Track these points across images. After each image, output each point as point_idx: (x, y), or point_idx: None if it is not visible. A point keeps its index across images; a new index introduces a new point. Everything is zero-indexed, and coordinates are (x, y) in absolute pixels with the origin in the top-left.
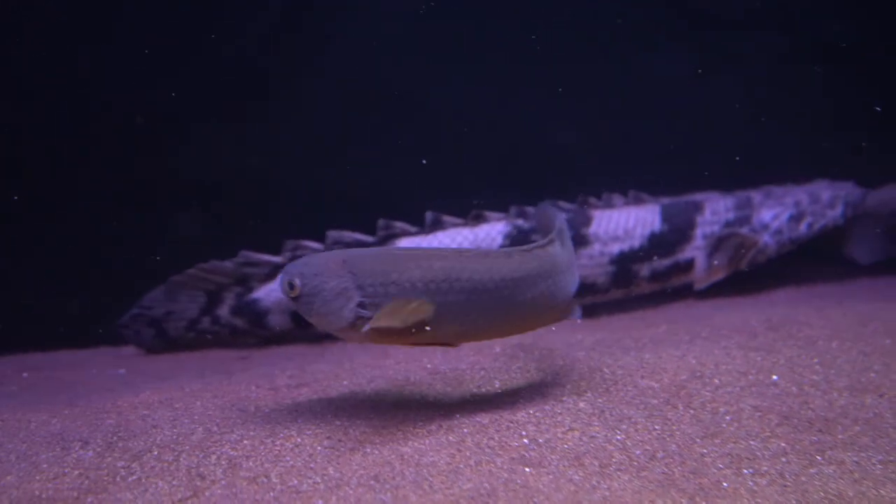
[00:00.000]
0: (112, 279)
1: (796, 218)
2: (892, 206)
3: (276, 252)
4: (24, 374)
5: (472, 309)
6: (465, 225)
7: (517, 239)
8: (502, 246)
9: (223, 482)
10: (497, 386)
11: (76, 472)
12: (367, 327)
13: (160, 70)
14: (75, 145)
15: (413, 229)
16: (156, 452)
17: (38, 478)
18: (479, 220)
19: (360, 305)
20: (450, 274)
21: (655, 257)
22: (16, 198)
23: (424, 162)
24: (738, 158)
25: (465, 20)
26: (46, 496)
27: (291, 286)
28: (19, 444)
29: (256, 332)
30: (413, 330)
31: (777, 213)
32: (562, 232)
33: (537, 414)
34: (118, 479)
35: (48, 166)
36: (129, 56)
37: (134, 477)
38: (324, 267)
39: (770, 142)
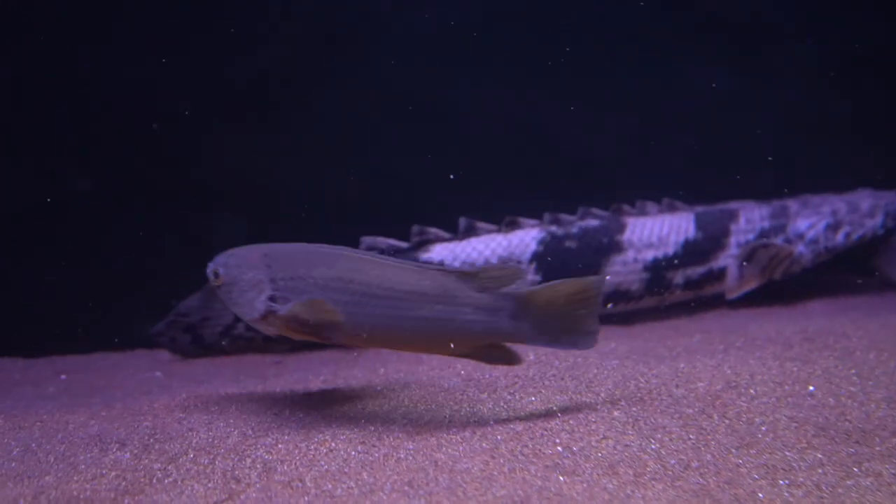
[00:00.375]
0: (149, 283)
1: (833, 227)
2: None
3: None
4: (62, 377)
5: (363, 312)
6: (498, 231)
7: (551, 245)
8: (536, 252)
9: (258, 486)
10: (531, 393)
11: (113, 474)
12: (285, 309)
13: (199, 72)
14: (117, 149)
15: (447, 235)
16: (192, 455)
17: (76, 478)
18: (512, 226)
19: (272, 298)
20: (346, 275)
21: (689, 265)
22: (49, 200)
23: (452, 177)
24: (777, 170)
25: (498, 25)
26: (84, 497)
27: (215, 275)
28: (58, 444)
29: (290, 337)
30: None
31: (813, 223)
32: (491, 274)
33: (571, 422)
34: (155, 480)
35: (87, 168)
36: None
37: (170, 479)
38: (244, 259)
39: (812, 151)
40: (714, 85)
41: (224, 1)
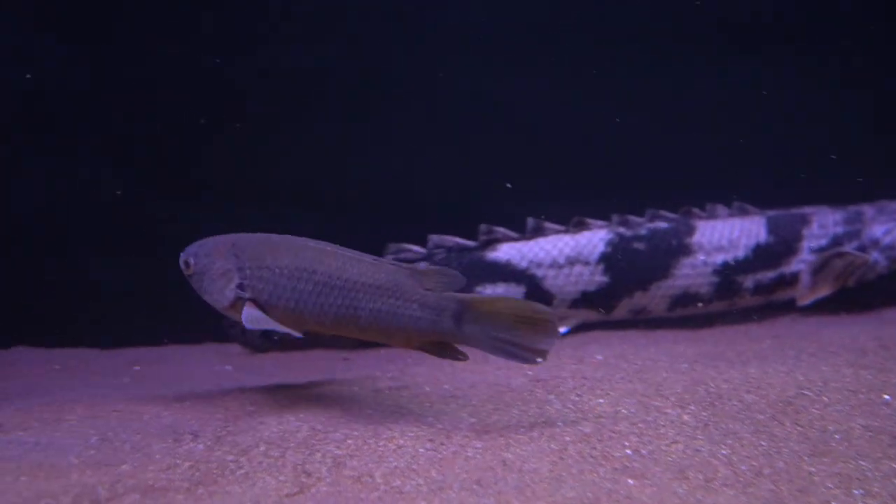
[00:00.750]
0: None
1: None
2: None
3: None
4: (136, 368)
5: (325, 302)
6: (566, 232)
7: (619, 246)
8: (603, 253)
9: (328, 480)
10: (599, 395)
11: (187, 465)
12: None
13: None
14: (188, 146)
15: (514, 235)
16: (263, 448)
17: (151, 468)
18: (580, 226)
19: (240, 287)
20: (310, 265)
21: (760, 269)
22: (119, 192)
23: (509, 186)
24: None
25: (567, 29)
26: (160, 486)
27: (186, 265)
28: (133, 434)
29: None
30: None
31: (889, 229)
32: (433, 276)
33: (640, 425)
34: (227, 472)
35: (155, 165)
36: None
37: (242, 471)
38: (214, 249)
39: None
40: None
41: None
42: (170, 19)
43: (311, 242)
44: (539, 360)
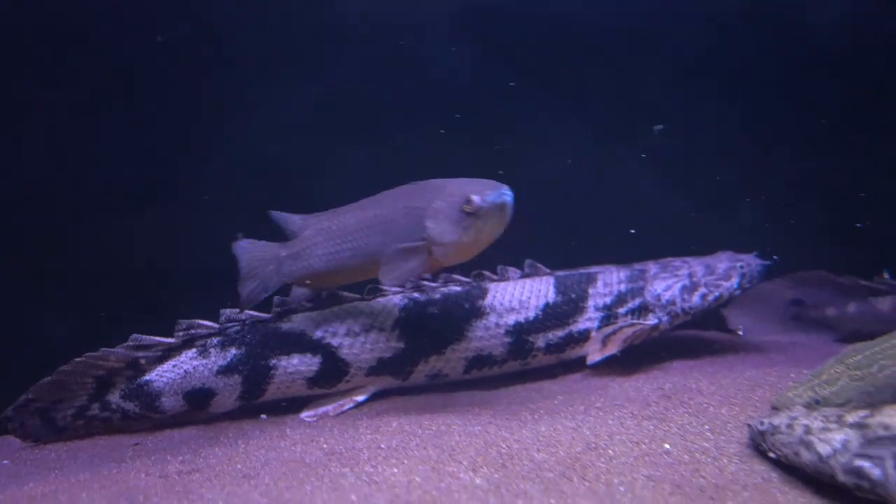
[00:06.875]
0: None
1: (689, 289)
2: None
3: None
4: None
5: None
6: (360, 299)
7: (413, 311)
8: (398, 319)
9: None
10: (393, 465)
11: None
12: None
13: None
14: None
15: (308, 305)
16: None
17: None
18: (375, 293)
19: None
20: None
21: (550, 328)
22: None
23: None
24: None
25: None
26: None
27: None
28: None
29: (149, 415)
30: None
31: (670, 285)
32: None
33: (433, 493)
34: None
35: None
36: None
37: None
38: None
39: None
40: None
41: None
42: None
43: None
44: None
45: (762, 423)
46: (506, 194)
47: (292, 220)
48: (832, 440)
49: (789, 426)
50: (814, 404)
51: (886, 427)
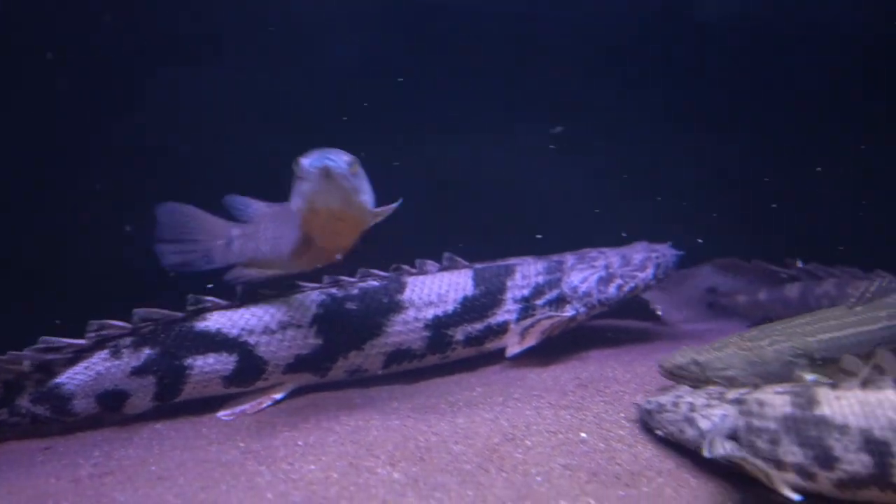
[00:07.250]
0: None
1: (606, 280)
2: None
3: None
4: None
5: None
6: (277, 297)
7: (331, 307)
8: (316, 315)
9: None
10: (311, 462)
11: None
12: None
13: None
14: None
15: (224, 303)
16: None
17: None
18: (293, 289)
19: None
20: None
21: (469, 321)
22: None
23: None
24: None
25: None
26: None
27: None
28: None
29: (61, 418)
30: None
31: (586, 277)
32: None
33: (351, 488)
34: None
35: None
36: None
37: None
38: None
39: None
40: None
41: None
42: None
43: None
44: None
45: (649, 402)
46: (329, 160)
47: (250, 204)
48: (712, 415)
49: (675, 404)
50: (692, 366)
51: (761, 403)
